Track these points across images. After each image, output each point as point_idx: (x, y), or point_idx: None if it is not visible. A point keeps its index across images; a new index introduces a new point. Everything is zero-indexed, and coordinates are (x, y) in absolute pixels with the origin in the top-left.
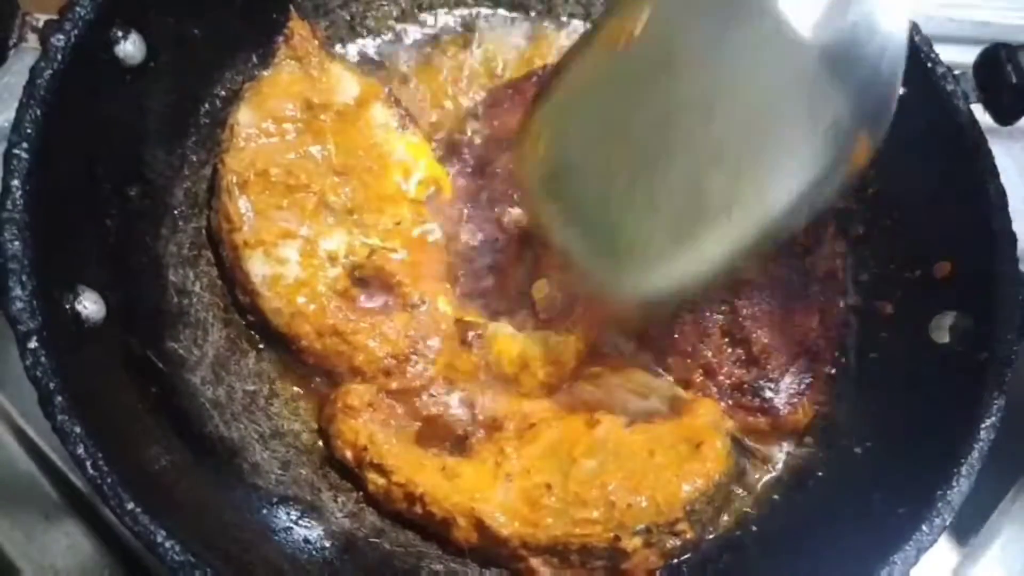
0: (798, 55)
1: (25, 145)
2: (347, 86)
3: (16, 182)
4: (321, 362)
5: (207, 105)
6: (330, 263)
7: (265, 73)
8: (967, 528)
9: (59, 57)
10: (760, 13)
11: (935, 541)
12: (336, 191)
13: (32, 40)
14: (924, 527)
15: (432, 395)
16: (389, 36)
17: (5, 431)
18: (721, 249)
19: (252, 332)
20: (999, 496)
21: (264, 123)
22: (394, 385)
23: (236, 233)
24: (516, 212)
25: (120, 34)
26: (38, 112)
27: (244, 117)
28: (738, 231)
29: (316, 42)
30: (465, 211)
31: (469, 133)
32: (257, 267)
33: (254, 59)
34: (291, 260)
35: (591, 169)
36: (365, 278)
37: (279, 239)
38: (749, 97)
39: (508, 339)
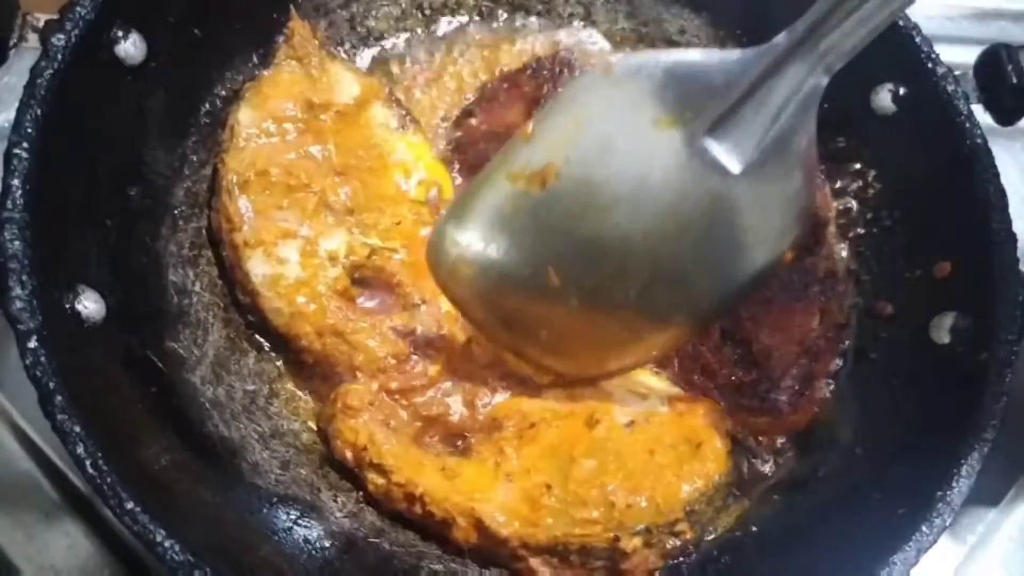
0: (727, 188)
1: (25, 145)
2: (347, 86)
3: (16, 182)
4: (321, 362)
5: (207, 105)
6: (330, 263)
7: (265, 73)
8: (967, 528)
9: (59, 57)
10: (689, 156)
11: (935, 541)
12: (336, 191)
13: (33, 40)
14: (924, 527)
15: (432, 395)
16: (389, 36)
17: (5, 431)
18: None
19: (252, 332)
20: (999, 496)
21: (264, 123)
22: (394, 385)
23: (236, 233)
24: None
25: (120, 34)
26: (38, 112)
27: (244, 117)
28: (681, 324)
29: (316, 42)
30: None
31: (467, 130)
32: (257, 267)
33: (254, 59)
34: (291, 260)
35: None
36: (365, 278)
37: (279, 239)
38: (678, 224)
39: None
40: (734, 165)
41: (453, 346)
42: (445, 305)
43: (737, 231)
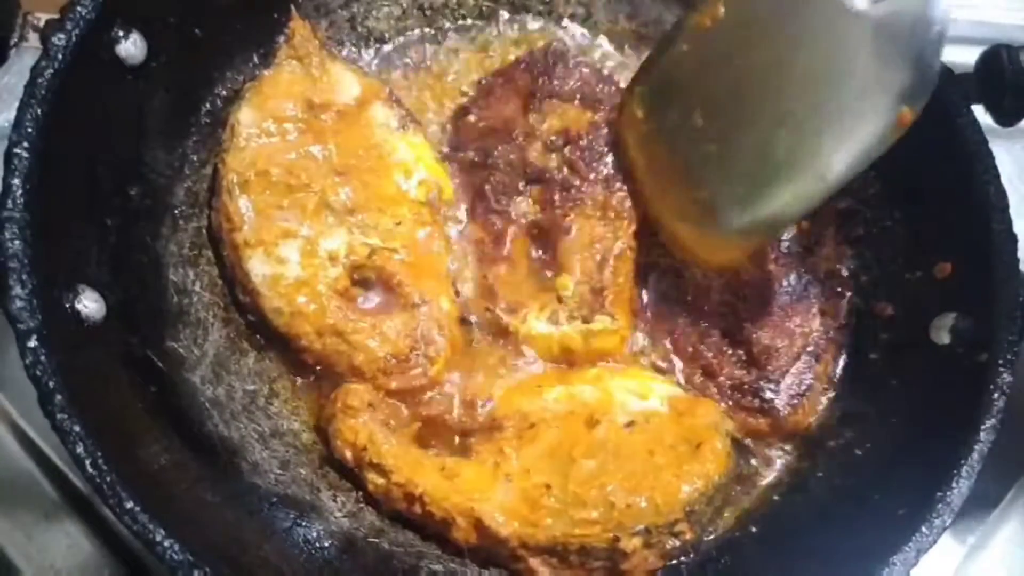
0: (855, 27)
1: (26, 144)
2: (348, 86)
3: (17, 181)
4: (321, 361)
5: (208, 105)
6: (331, 263)
7: (266, 73)
8: (967, 528)
9: (60, 56)
10: None
11: (935, 542)
12: (337, 191)
13: (33, 39)
14: (924, 528)
15: (432, 395)
16: (391, 37)
17: (5, 431)
18: (785, 198)
19: (252, 332)
20: (999, 496)
21: (265, 123)
22: (394, 385)
23: (236, 233)
24: (523, 203)
25: (121, 34)
26: (39, 111)
27: (245, 117)
28: (801, 183)
29: (317, 42)
30: (470, 206)
31: (465, 128)
32: (257, 267)
33: (255, 59)
34: (291, 260)
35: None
36: (366, 279)
37: (279, 239)
38: (811, 65)
39: (544, 337)
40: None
41: (454, 345)
42: (446, 305)
43: (857, 82)
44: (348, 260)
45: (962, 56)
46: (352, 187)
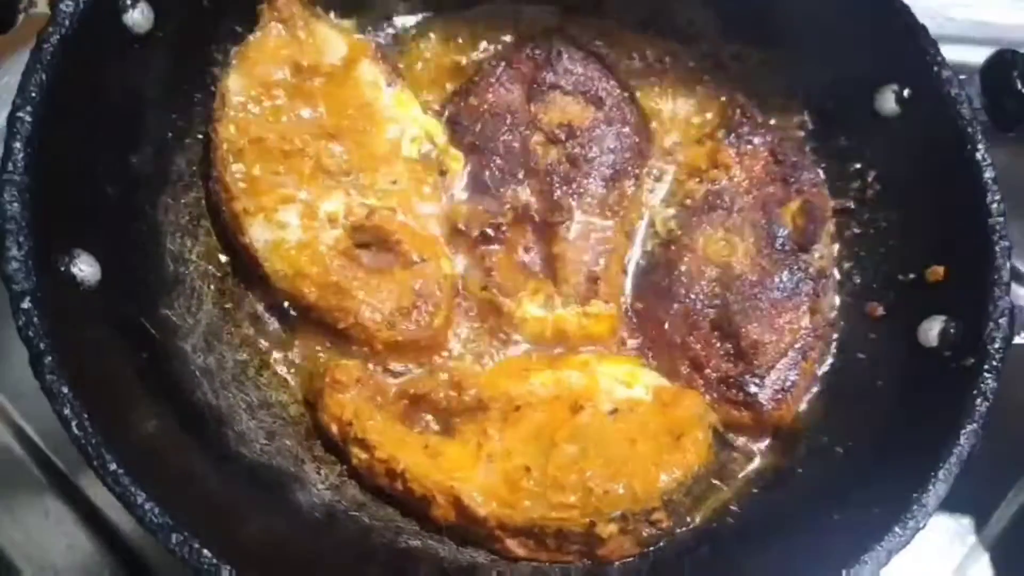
0: None
1: (29, 109)
2: (334, 45)
3: (18, 144)
4: (326, 318)
5: (212, 75)
6: (330, 225)
7: (251, 37)
8: (967, 528)
9: (67, 23)
10: None
11: (908, 543)
12: (331, 153)
13: (42, 5)
14: (897, 528)
15: (419, 373)
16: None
17: (5, 431)
18: None
19: (246, 302)
20: (999, 496)
21: (254, 89)
22: (400, 338)
23: (235, 202)
24: (522, 191)
25: (128, 2)
26: (43, 77)
27: (233, 84)
28: None
29: (299, 3)
30: (468, 188)
31: (466, 110)
32: (259, 233)
33: None
34: (292, 224)
35: None
36: (365, 240)
37: (278, 204)
38: None
39: (539, 320)
40: None
41: (451, 305)
42: (445, 266)
43: None
44: (347, 221)
45: (965, 57)
46: (346, 148)
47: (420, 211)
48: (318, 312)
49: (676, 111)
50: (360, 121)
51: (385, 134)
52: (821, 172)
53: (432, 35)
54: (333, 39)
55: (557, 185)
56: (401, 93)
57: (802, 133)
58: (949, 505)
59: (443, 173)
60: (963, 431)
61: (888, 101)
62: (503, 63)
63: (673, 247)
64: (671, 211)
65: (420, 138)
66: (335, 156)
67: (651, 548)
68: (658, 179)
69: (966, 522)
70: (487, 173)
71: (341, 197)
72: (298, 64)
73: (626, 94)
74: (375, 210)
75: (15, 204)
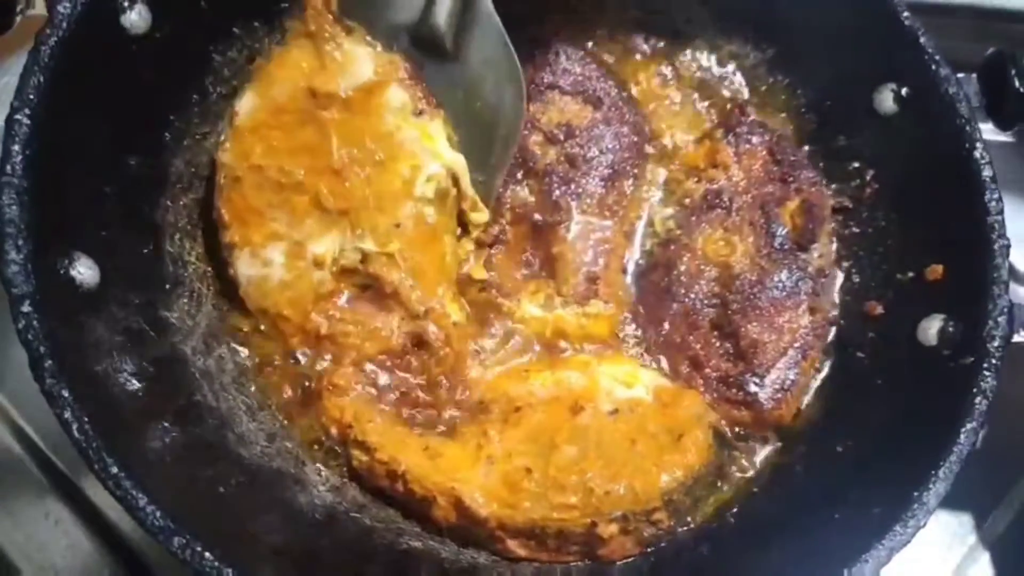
0: None
1: (27, 111)
2: (362, 65)
3: (16, 147)
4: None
5: (210, 77)
6: (315, 267)
7: (275, 51)
8: (967, 528)
9: (65, 25)
10: None
11: (908, 541)
12: (332, 190)
13: (40, 6)
14: (897, 527)
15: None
16: None
17: (5, 432)
18: None
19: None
20: (1000, 494)
21: (263, 113)
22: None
23: (225, 231)
24: (521, 191)
25: (127, 4)
26: (41, 79)
27: (245, 105)
28: None
29: (331, 16)
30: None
31: None
32: (243, 267)
33: (258, 32)
34: (276, 262)
35: None
36: (363, 283)
37: (266, 240)
38: None
39: (538, 320)
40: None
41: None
42: (455, 314)
43: None
44: (337, 266)
45: (963, 56)
46: (352, 183)
47: (424, 260)
48: (305, 349)
49: (674, 110)
50: (376, 153)
51: (400, 169)
52: (820, 171)
53: None
54: (361, 57)
55: (556, 185)
56: (429, 124)
57: (801, 132)
58: (949, 503)
59: (463, 226)
60: (963, 429)
61: (887, 100)
62: None
63: (672, 247)
64: (670, 210)
65: (439, 177)
66: (336, 194)
67: (652, 548)
68: (656, 178)
69: (966, 520)
70: None
71: (335, 238)
72: (315, 89)
73: (624, 94)
74: (370, 256)
75: (14, 207)
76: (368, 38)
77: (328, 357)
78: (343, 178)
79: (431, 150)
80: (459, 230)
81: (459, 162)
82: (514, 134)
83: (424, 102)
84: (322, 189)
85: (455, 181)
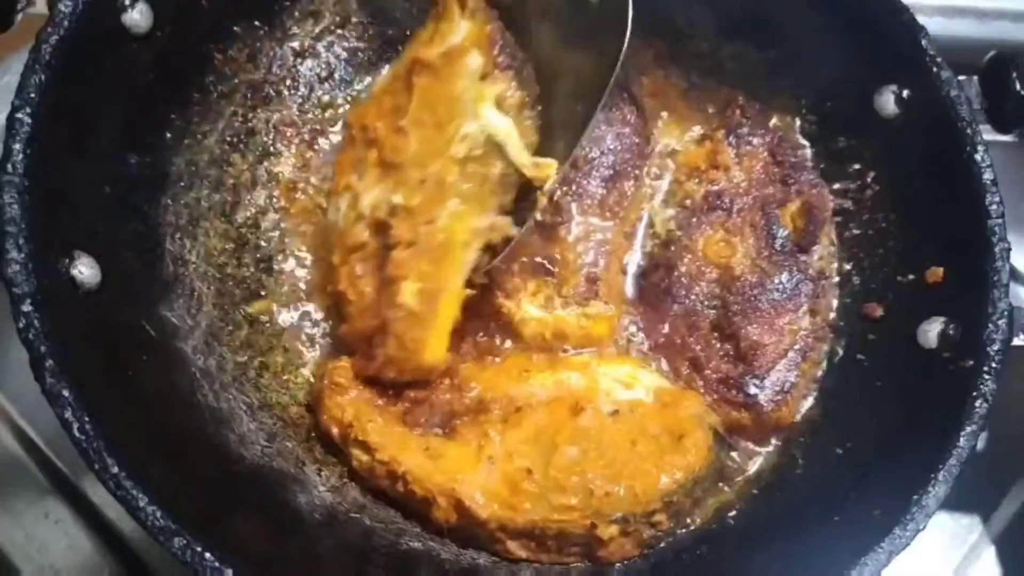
0: None
1: (28, 110)
2: (457, 34)
3: (17, 146)
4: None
5: (211, 76)
6: (358, 219)
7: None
8: (967, 528)
9: (66, 23)
10: None
11: (908, 544)
12: (395, 145)
13: (41, 5)
14: (897, 530)
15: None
16: None
17: (5, 431)
18: None
19: (245, 304)
20: (999, 496)
21: (387, 79)
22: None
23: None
24: None
25: (128, 2)
26: (42, 77)
27: (383, 74)
28: None
29: None
30: None
31: None
32: (330, 214)
33: (259, 31)
34: (341, 210)
35: None
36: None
37: (343, 190)
38: None
39: (539, 321)
40: None
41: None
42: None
43: None
44: (372, 216)
45: (965, 58)
46: (408, 140)
47: (438, 225)
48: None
49: (675, 111)
50: (442, 115)
51: (450, 129)
52: (820, 173)
53: None
54: (459, 26)
55: (556, 186)
56: (486, 87)
57: (801, 134)
58: (949, 506)
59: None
60: (963, 432)
61: (888, 102)
62: None
63: (673, 248)
64: (670, 212)
65: (473, 137)
66: (395, 148)
67: (652, 550)
68: (657, 179)
69: (966, 523)
70: None
71: (382, 189)
72: (417, 56)
73: (625, 94)
74: (396, 208)
75: (15, 206)
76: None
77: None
78: (406, 135)
79: (476, 111)
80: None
81: (501, 126)
82: (602, 88)
83: (497, 64)
84: (385, 144)
85: (495, 145)
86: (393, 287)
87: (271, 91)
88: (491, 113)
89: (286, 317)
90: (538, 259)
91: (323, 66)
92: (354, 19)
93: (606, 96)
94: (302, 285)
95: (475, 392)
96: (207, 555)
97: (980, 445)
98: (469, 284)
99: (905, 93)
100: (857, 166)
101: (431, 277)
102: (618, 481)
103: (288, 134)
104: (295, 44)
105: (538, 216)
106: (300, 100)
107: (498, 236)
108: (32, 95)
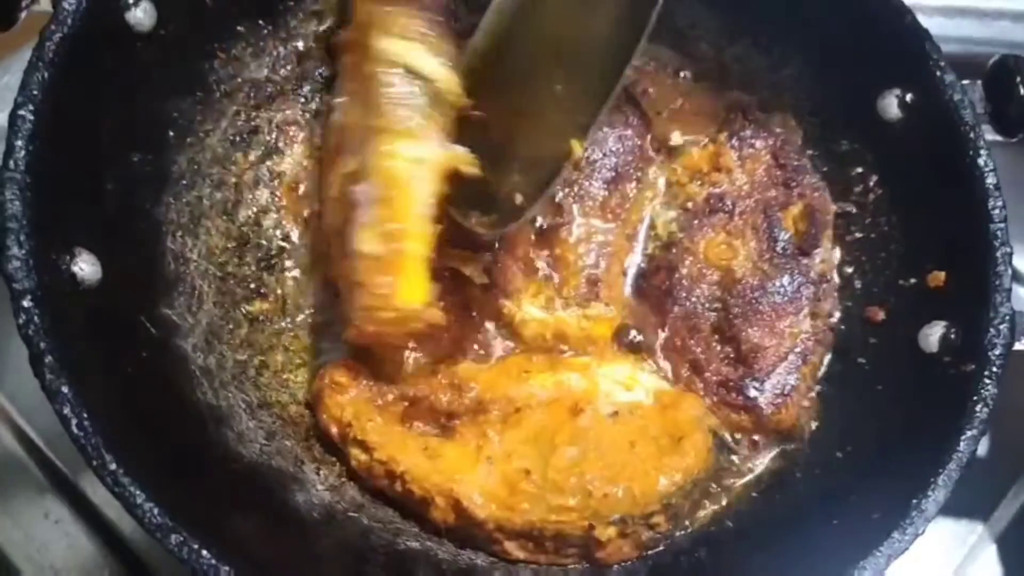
0: None
1: (31, 107)
2: None
3: (20, 142)
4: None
5: (214, 74)
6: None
7: None
8: (967, 528)
9: (69, 21)
10: None
11: (907, 548)
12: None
13: (44, 2)
14: (896, 534)
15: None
16: None
17: (5, 431)
18: None
19: (245, 303)
20: (999, 496)
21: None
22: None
23: None
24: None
25: (131, 0)
26: (45, 75)
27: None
28: None
29: None
30: None
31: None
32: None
33: (264, 30)
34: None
35: None
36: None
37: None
38: None
39: (539, 322)
40: None
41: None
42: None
43: None
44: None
45: (968, 62)
46: (351, 106)
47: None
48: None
49: (678, 114)
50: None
51: (369, 75)
52: (823, 176)
53: None
54: None
55: (558, 187)
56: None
57: (804, 137)
58: (948, 510)
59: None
60: (963, 437)
61: (891, 106)
62: None
63: (674, 250)
64: (672, 214)
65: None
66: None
67: (650, 552)
68: (659, 182)
69: (965, 526)
70: None
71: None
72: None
73: (627, 96)
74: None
75: (16, 202)
76: None
77: None
78: (350, 104)
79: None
80: None
81: (397, 49)
82: (629, 53)
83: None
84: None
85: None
86: (349, 238)
87: (274, 90)
88: (385, 41)
89: (286, 316)
90: (539, 260)
91: (326, 66)
92: None
93: (634, 58)
94: (303, 284)
95: (474, 392)
96: (204, 552)
97: (981, 450)
98: (469, 281)
99: (908, 97)
100: (859, 169)
101: (387, 218)
102: (617, 482)
103: (291, 133)
104: (299, 43)
105: (539, 218)
106: (303, 99)
107: (453, 165)
108: (35, 92)
